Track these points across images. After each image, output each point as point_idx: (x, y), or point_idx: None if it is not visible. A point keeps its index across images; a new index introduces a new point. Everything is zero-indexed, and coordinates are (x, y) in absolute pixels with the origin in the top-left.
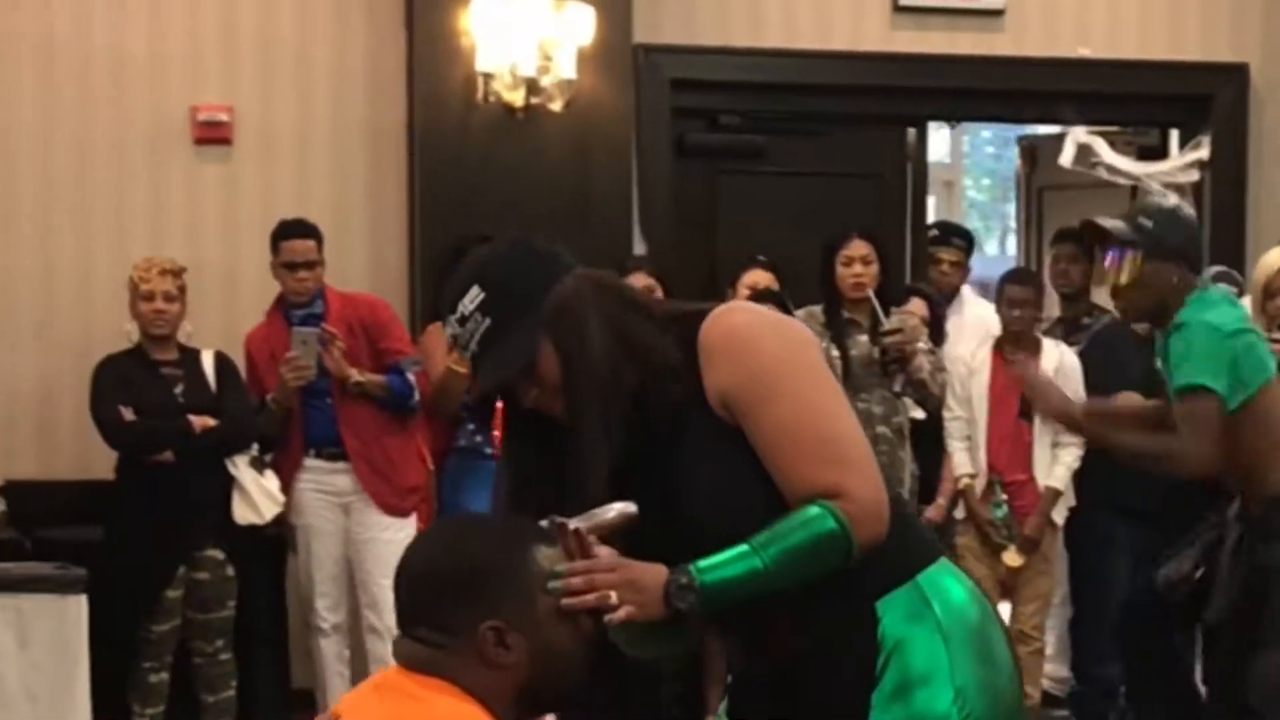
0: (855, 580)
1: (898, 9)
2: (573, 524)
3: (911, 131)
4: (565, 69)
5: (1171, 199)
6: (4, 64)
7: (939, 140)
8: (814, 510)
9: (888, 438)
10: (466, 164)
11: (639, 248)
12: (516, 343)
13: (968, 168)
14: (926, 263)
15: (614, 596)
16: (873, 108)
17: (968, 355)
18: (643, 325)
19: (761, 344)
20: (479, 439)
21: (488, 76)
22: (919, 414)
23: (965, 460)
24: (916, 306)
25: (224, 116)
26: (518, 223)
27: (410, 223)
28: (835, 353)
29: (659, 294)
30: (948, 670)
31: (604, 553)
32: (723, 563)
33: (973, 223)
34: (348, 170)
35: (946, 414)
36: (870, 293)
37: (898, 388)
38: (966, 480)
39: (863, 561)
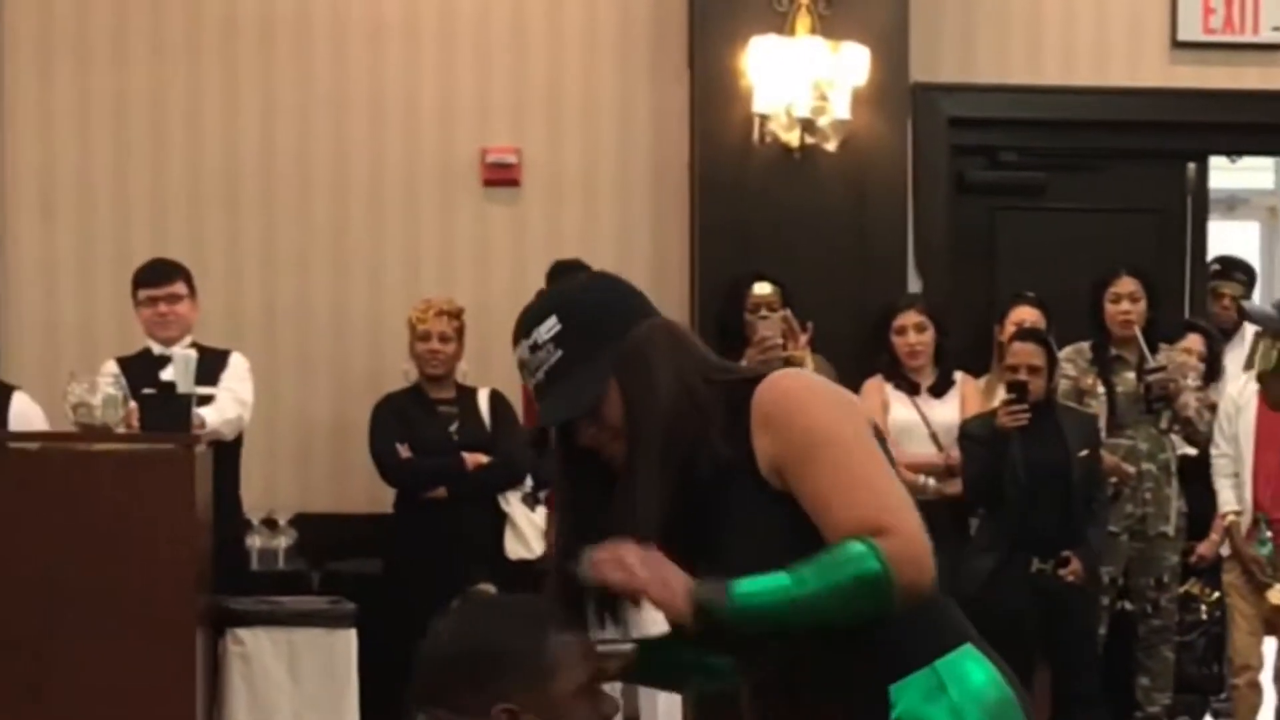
0: (872, 662)
1: (1176, 44)
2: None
3: (1191, 166)
4: (840, 109)
5: None
6: (301, 111)
7: (1262, 164)
8: (857, 547)
9: (1153, 474)
10: (745, 204)
11: (914, 285)
12: (585, 381)
13: None
14: (1206, 298)
15: (640, 578)
16: (1152, 143)
17: (1235, 392)
18: (705, 383)
19: (811, 404)
20: None
21: (764, 118)
22: (1190, 450)
23: (1231, 497)
24: (1193, 342)
25: (512, 158)
26: (794, 261)
27: (691, 262)
28: (1101, 389)
29: (930, 332)
30: None
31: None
32: (758, 583)
33: None
34: (632, 211)
35: (1214, 450)
36: (1137, 330)
37: (1164, 425)
38: (1232, 517)
39: (880, 645)
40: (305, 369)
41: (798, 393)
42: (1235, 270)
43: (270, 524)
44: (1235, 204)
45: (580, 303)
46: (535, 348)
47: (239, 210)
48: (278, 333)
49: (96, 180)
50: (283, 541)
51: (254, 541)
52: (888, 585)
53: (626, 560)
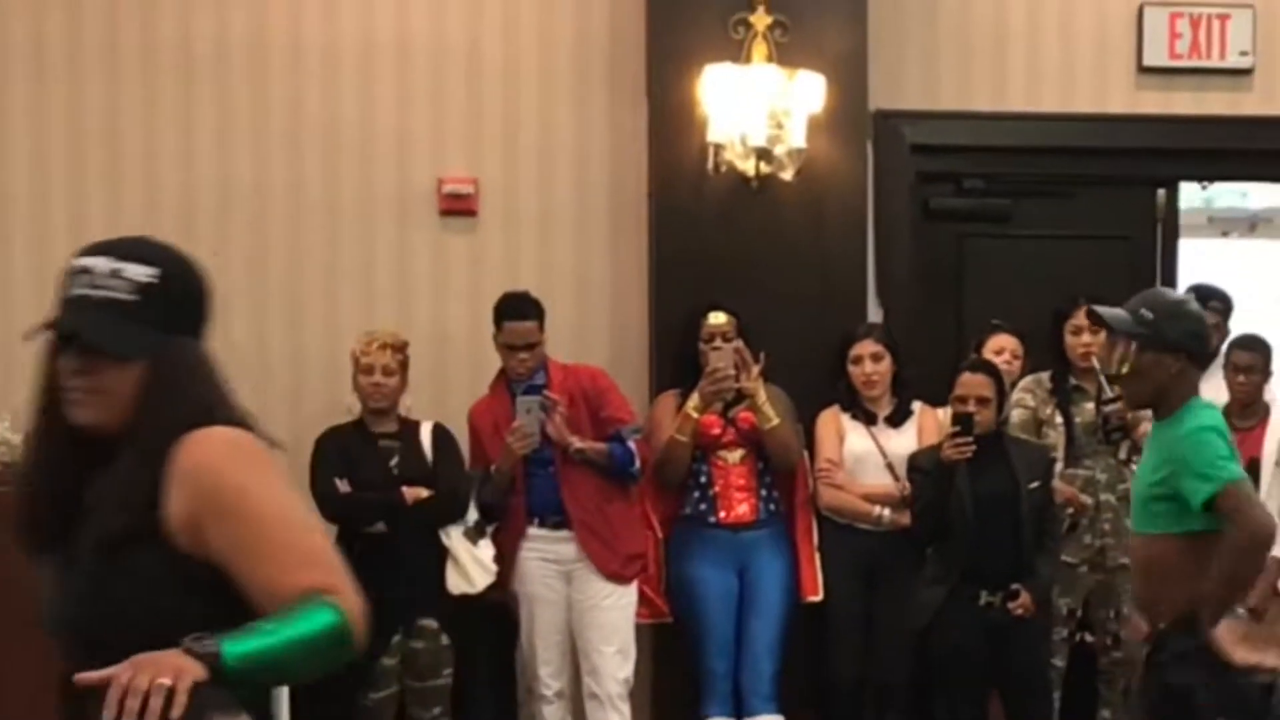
0: None
1: (1143, 70)
2: None
3: (1161, 192)
4: (796, 137)
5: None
6: (256, 142)
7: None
8: (323, 606)
9: (1112, 505)
10: (702, 233)
11: (875, 314)
12: (130, 336)
13: None
14: None
15: (145, 682)
16: (1120, 169)
17: None
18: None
19: (227, 465)
20: (703, 507)
21: (719, 146)
22: None
23: None
24: None
25: (469, 189)
26: (753, 291)
27: (649, 292)
28: (1059, 420)
29: (887, 362)
30: None
31: None
32: (246, 636)
33: None
34: (589, 240)
35: None
36: (1094, 361)
37: (1123, 455)
38: None
39: None
40: (260, 401)
41: (213, 455)
42: (1211, 299)
43: None
44: (1257, 223)
45: (185, 285)
46: (116, 275)
47: (194, 241)
48: (233, 366)
49: (53, 211)
50: None
51: None
52: (350, 640)
53: (120, 689)
